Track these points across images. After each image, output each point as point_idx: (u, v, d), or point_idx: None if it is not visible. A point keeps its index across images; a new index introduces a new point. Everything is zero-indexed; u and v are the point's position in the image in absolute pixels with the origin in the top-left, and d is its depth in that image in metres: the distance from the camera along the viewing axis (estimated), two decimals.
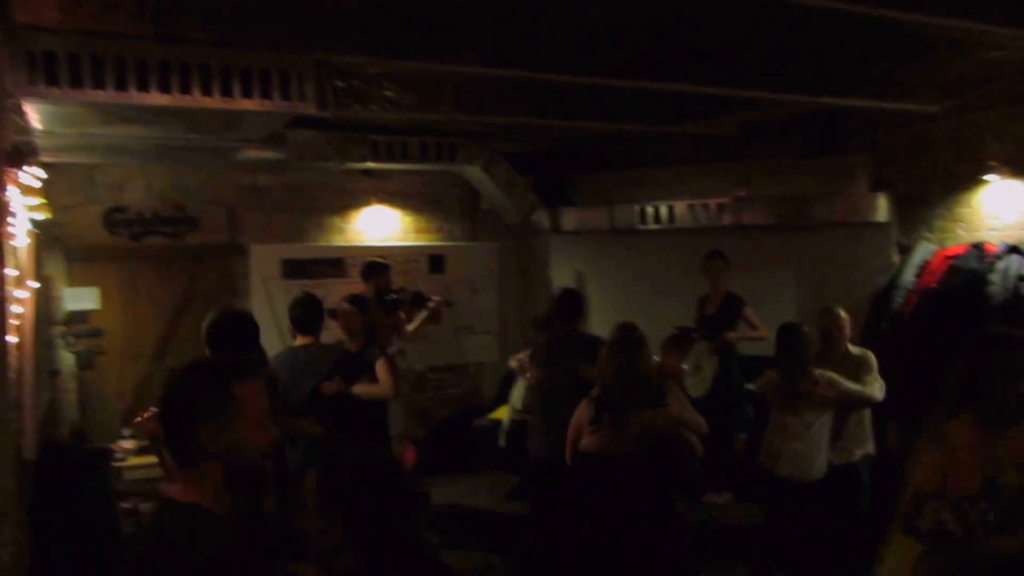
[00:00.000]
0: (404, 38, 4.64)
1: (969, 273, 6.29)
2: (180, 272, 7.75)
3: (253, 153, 6.79)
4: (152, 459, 4.87)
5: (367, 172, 8.39)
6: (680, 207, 7.80)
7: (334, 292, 8.30)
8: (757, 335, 6.86)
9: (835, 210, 7.29)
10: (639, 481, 4.48)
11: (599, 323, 8.28)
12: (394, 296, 7.45)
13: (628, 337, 4.68)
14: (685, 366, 6.51)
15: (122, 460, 6.41)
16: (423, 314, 7.70)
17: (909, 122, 6.97)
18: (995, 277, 6.13)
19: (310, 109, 4.87)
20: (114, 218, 7.41)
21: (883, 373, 5.60)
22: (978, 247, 6.45)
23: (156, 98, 4.42)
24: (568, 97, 6.33)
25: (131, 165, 7.30)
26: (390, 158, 7.68)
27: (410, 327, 7.65)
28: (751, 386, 6.62)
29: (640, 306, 8.00)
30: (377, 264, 7.45)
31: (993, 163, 6.48)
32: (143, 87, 4.38)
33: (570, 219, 8.71)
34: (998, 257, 6.23)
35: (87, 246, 7.26)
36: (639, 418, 4.50)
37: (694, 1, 3.94)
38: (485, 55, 5.00)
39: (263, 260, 8.02)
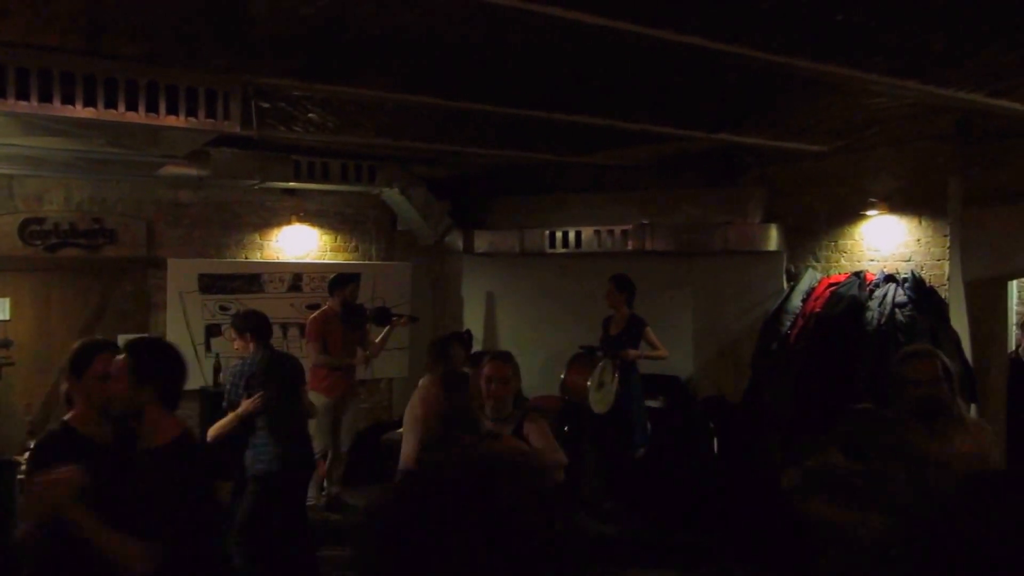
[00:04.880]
0: (329, 64, 4.76)
1: (850, 300, 6.71)
2: (95, 285, 7.75)
3: (175, 169, 6.84)
4: None
5: (288, 191, 8.54)
6: (587, 233, 8.13)
7: (250, 307, 8.41)
8: (657, 354, 7.25)
9: (730, 239, 7.67)
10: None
11: (508, 341, 8.63)
12: (362, 309, 7.52)
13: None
14: (589, 383, 6.90)
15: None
16: (387, 329, 7.76)
17: (799, 159, 7.41)
18: (873, 304, 6.56)
19: (234, 128, 4.91)
20: (30, 229, 7.39)
21: (771, 391, 5.99)
22: (859, 276, 6.92)
23: (80, 111, 4.40)
24: (483, 126, 6.51)
25: (50, 177, 7.29)
26: (311, 178, 7.80)
27: (377, 341, 7.72)
28: (652, 403, 7.31)
29: (548, 326, 8.48)
30: (344, 276, 7.44)
31: (874, 200, 7.00)
32: (68, 99, 4.36)
33: (483, 242, 8.95)
34: (876, 285, 6.68)
35: (0, 257, 7.23)
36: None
37: (605, 42, 4.09)
38: (405, 83, 5.13)
39: (180, 274, 8.05)
